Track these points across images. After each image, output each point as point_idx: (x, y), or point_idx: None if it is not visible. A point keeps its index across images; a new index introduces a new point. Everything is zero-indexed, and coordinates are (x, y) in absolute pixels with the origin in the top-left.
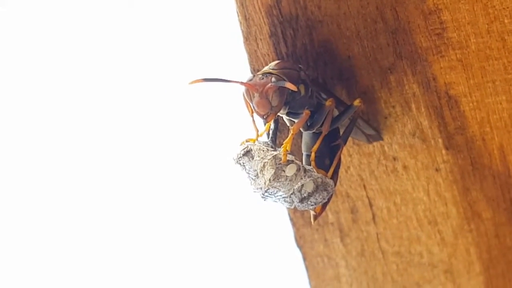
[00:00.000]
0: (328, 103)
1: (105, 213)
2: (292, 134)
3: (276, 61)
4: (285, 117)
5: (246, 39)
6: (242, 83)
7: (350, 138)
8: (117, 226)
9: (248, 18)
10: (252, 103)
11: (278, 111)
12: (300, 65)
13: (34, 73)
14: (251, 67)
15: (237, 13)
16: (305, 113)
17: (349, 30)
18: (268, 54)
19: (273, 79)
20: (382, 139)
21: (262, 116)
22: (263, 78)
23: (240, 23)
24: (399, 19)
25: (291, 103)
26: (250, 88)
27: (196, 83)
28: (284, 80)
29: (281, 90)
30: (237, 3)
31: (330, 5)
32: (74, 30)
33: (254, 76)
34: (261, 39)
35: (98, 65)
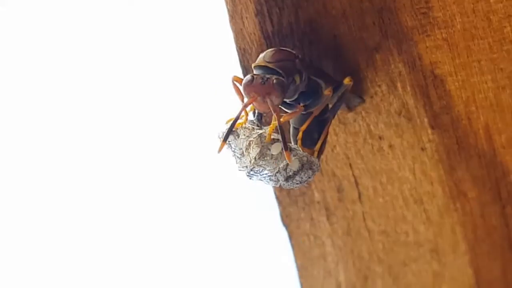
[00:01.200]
0: (326, 92)
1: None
2: (282, 121)
3: (271, 51)
4: None
5: (232, 17)
6: (245, 106)
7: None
8: (112, 223)
9: None
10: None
11: (278, 105)
12: (294, 52)
13: (33, 72)
14: (237, 45)
15: None
16: (298, 108)
17: (335, 9)
18: (254, 33)
19: (274, 81)
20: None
21: (262, 112)
22: (263, 83)
23: (226, 1)
24: None
25: (287, 93)
26: (254, 100)
27: (222, 148)
28: (284, 87)
29: (282, 90)
30: None
31: None
32: (72, 30)
33: (253, 78)
34: (247, 18)
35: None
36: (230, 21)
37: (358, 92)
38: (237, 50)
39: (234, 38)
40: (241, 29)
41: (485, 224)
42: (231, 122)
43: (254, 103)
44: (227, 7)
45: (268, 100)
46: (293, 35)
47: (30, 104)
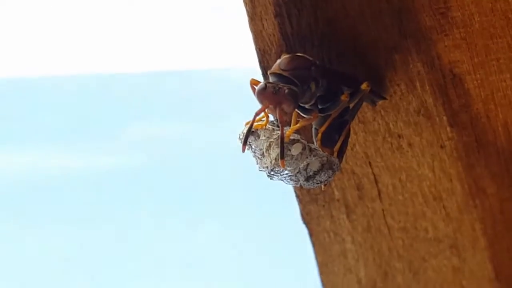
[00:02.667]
0: (343, 97)
1: None
2: (298, 126)
3: (287, 58)
4: None
5: (252, 19)
6: (256, 114)
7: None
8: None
9: None
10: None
11: (292, 114)
12: (311, 59)
13: None
14: (256, 47)
15: None
16: (313, 115)
17: (353, 10)
18: (273, 34)
19: (286, 91)
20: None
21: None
22: (276, 92)
23: (245, 3)
24: None
25: (302, 100)
26: (267, 107)
27: (244, 149)
28: (296, 96)
29: (295, 100)
30: None
31: None
32: None
33: (266, 86)
34: (266, 19)
35: None
36: (250, 23)
37: (378, 91)
38: (257, 51)
39: (254, 39)
40: (261, 31)
41: (505, 220)
42: (249, 124)
43: (267, 109)
44: (246, 9)
45: (279, 109)
46: (312, 36)
47: None
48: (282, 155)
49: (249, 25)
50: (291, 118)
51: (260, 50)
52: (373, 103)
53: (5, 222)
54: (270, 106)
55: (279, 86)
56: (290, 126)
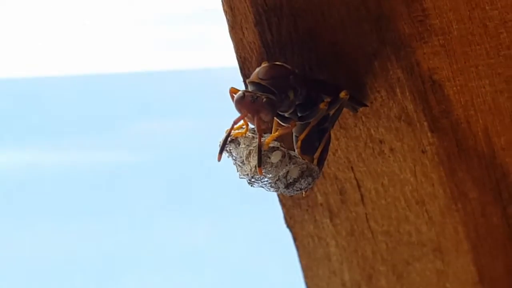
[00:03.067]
0: (321, 106)
1: None
2: (277, 135)
3: (265, 67)
4: None
5: (232, 28)
6: (234, 123)
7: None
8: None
9: (234, 7)
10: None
11: (270, 122)
12: (289, 67)
13: None
14: (237, 55)
15: (222, 2)
16: (291, 124)
17: (333, 18)
18: (254, 42)
19: (264, 100)
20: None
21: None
22: (254, 101)
23: (226, 12)
24: (381, 7)
25: (280, 108)
26: (245, 116)
27: (220, 158)
28: (274, 105)
29: (272, 109)
30: None
31: None
32: None
33: (244, 95)
34: (246, 28)
35: None
36: (230, 31)
37: (359, 98)
38: (238, 59)
39: (235, 47)
40: (241, 39)
41: (487, 224)
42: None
43: (246, 118)
44: (226, 18)
45: (257, 118)
46: (292, 44)
47: None
48: (259, 163)
49: (230, 34)
50: (269, 126)
51: (241, 57)
52: (355, 110)
53: (13, 216)
54: (248, 115)
55: (257, 95)
56: (269, 133)
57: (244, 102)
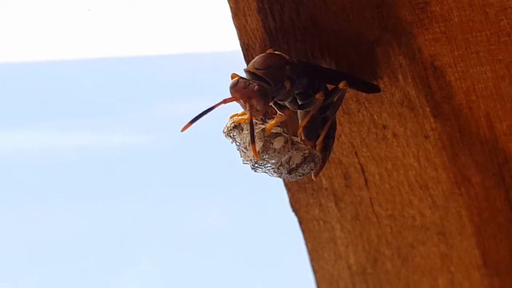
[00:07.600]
0: (318, 96)
1: None
2: (273, 123)
3: (262, 57)
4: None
5: (235, 14)
6: (225, 102)
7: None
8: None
9: None
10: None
11: (264, 111)
12: (287, 57)
13: None
14: (240, 41)
15: None
16: (285, 113)
17: (334, 5)
18: (257, 29)
19: (256, 87)
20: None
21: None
22: (246, 87)
23: None
24: None
25: (277, 97)
26: (236, 100)
27: (188, 127)
28: (266, 93)
29: (264, 96)
30: None
31: None
32: None
33: (238, 81)
34: (249, 15)
35: None
36: (233, 18)
37: (369, 84)
38: (241, 46)
39: (238, 34)
40: (244, 26)
41: (490, 208)
42: (235, 117)
43: (240, 105)
44: (229, 5)
45: (248, 104)
46: (294, 30)
47: None
48: (252, 139)
49: (233, 20)
50: (262, 115)
51: (244, 44)
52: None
53: (30, 198)
54: (241, 101)
55: (250, 82)
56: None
57: (236, 88)
